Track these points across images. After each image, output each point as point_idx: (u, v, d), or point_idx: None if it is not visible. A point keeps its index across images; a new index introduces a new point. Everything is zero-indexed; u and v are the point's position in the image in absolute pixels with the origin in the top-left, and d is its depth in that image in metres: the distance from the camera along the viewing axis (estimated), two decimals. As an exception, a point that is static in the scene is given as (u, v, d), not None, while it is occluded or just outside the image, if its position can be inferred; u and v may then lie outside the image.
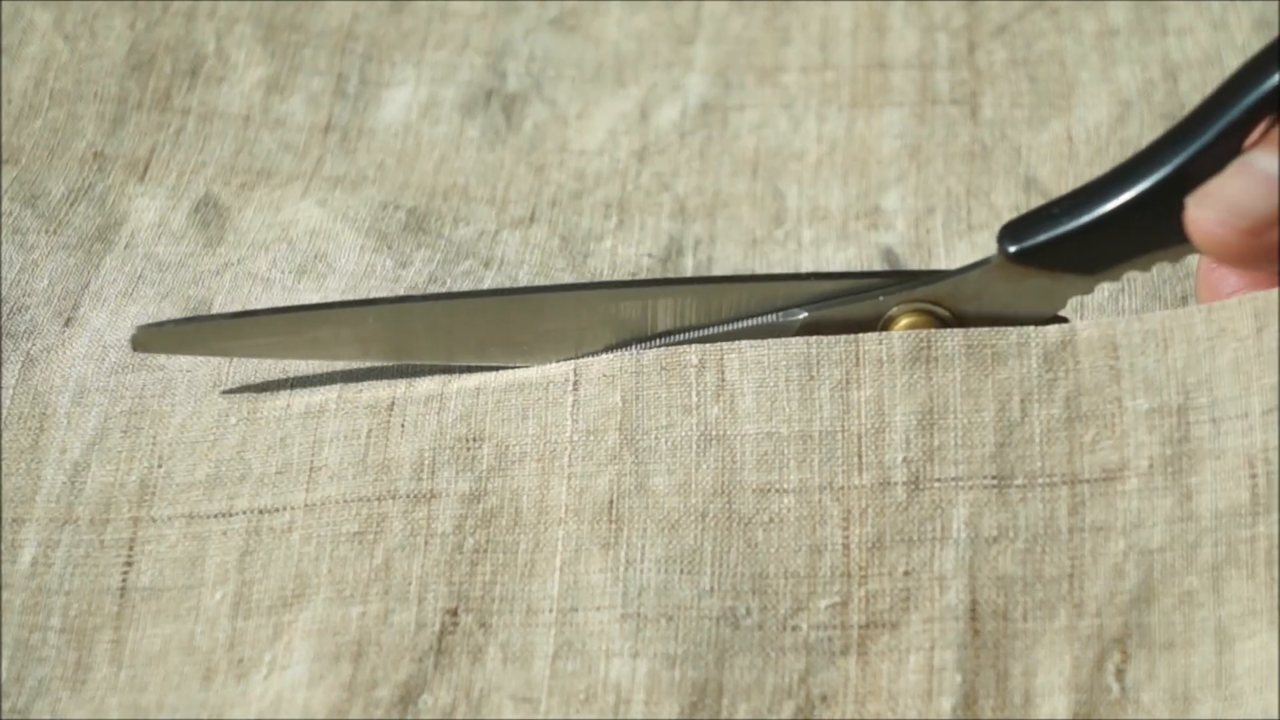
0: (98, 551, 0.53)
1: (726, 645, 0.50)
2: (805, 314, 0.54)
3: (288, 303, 0.60)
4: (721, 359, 0.53)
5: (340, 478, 0.54)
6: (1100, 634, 0.49)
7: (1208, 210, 0.49)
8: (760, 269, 0.64)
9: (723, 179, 0.67)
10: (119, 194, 0.65)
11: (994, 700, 0.49)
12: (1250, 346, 0.50)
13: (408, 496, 0.53)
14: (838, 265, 0.64)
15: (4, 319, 0.59)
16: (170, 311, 0.60)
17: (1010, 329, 0.52)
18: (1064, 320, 0.54)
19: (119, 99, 0.69)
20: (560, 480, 0.53)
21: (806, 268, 0.64)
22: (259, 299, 0.61)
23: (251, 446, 0.55)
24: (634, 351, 0.54)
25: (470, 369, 0.55)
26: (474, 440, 0.54)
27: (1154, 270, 0.60)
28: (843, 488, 0.51)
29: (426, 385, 0.55)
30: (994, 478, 0.51)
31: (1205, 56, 0.69)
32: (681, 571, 0.51)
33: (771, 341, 0.53)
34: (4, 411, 0.57)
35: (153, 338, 0.55)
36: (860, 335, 0.53)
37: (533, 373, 0.55)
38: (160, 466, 0.55)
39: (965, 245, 0.63)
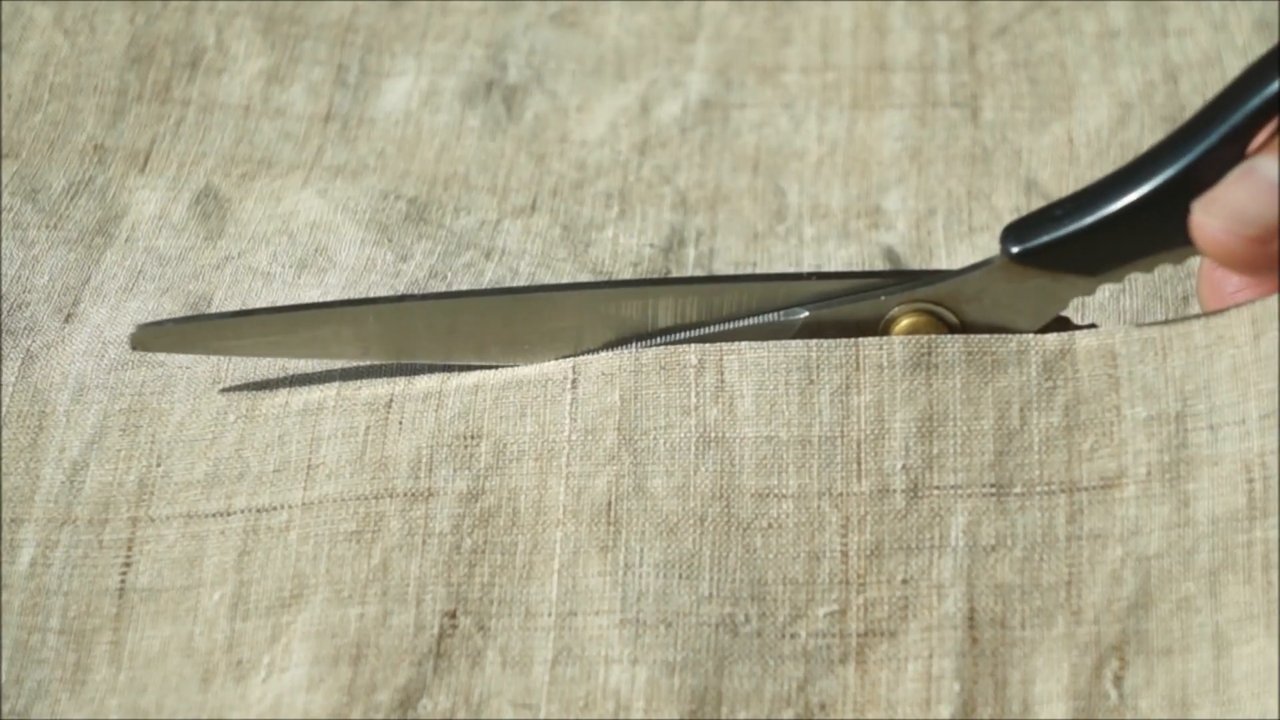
0: (96, 552, 0.53)
1: (726, 653, 0.50)
2: (806, 313, 0.54)
3: (288, 298, 0.60)
4: (721, 360, 0.53)
5: (338, 476, 0.54)
6: (1098, 641, 0.49)
7: (1214, 217, 0.49)
8: (762, 263, 0.64)
9: (724, 174, 0.67)
10: (119, 186, 0.65)
11: (992, 708, 0.49)
12: (1248, 353, 0.50)
13: (405, 495, 0.53)
14: (839, 262, 0.64)
15: (4, 315, 0.59)
16: (170, 307, 0.60)
17: (1010, 336, 0.52)
18: (1065, 320, 0.54)
19: (119, 91, 0.68)
20: (558, 480, 0.52)
21: (808, 263, 0.64)
22: (259, 294, 0.61)
23: (250, 444, 0.55)
24: (633, 350, 0.54)
25: (470, 367, 0.55)
26: (472, 437, 0.54)
27: (1155, 270, 0.60)
28: (841, 494, 0.51)
29: (425, 382, 0.55)
30: (993, 486, 0.51)
31: (1206, 58, 0.68)
32: (680, 576, 0.51)
33: (771, 344, 0.53)
34: (3, 409, 0.57)
35: (152, 337, 0.55)
36: (860, 340, 0.53)
37: (531, 370, 0.54)
38: (159, 465, 0.55)
39: (966, 247, 0.63)
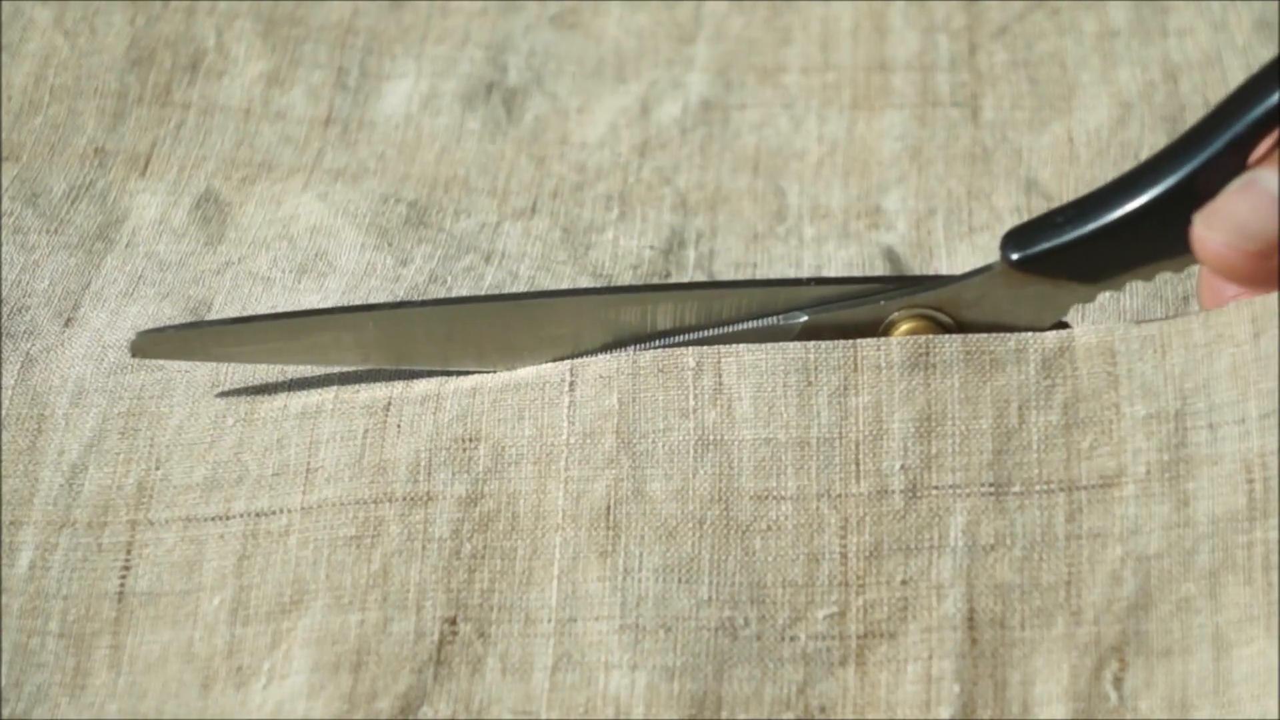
0: (95, 555, 0.53)
1: (725, 656, 0.50)
2: (805, 317, 0.54)
3: (288, 304, 0.60)
4: (719, 362, 0.53)
5: (337, 479, 0.54)
6: (1098, 642, 0.49)
7: (1216, 231, 0.49)
8: (762, 264, 0.64)
9: (724, 175, 0.67)
10: (120, 190, 0.65)
11: (992, 710, 0.49)
12: (1248, 351, 0.50)
13: (404, 499, 0.53)
14: (839, 262, 0.63)
15: (4, 319, 0.59)
16: (170, 312, 0.60)
17: (1009, 335, 0.52)
18: (1064, 325, 0.53)
19: (119, 94, 0.68)
20: (557, 484, 0.52)
21: (808, 264, 0.64)
22: (259, 299, 0.61)
23: (249, 448, 0.55)
24: (630, 352, 0.54)
25: (470, 373, 0.55)
26: (470, 441, 0.54)
27: (1156, 277, 0.60)
28: (840, 495, 0.51)
29: (424, 386, 0.55)
30: (991, 485, 0.51)
31: (1206, 58, 0.68)
32: (680, 580, 0.51)
33: (769, 346, 0.53)
34: (2, 412, 0.57)
35: (152, 344, 0.55)
36: (858, 341, 0.53)
37: (529, 373, 0.54)
38: (158, 469, 0.55)
39: (966, 247, 0.63)
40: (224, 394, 0.57)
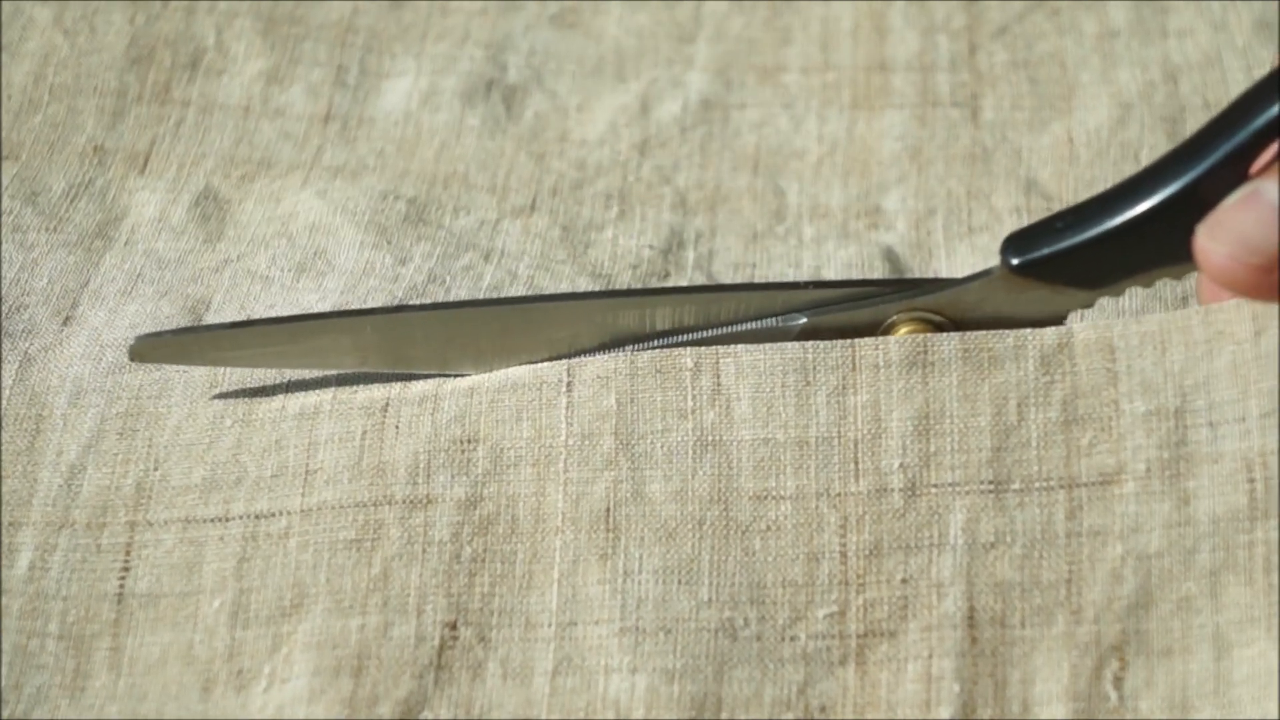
0: (94, 556, 0.53)
1: (725, 657, 0.50)
2: (805, 319, 0.54)
3: (286, 303, 0.60)
4: (717, 363, 0.53)
5: (336, 482, 0.53)
6: (1098, 641, 0.49)
7: (1219, 243, 0.48)
8: (761, 264, 0.64)
9: (724, 174, 0.67)
10: (119, 188, 0.65)
11: (992, 709, 0.49)
12: (1248, 350, 0.50)
13: (404, 502, 0.53)
14: (839, 262, 0.63)
15: (3, 318, 0.59)
16: (169, 311, 0.60)
17: (1007, 332, 0.52)
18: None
19: (119, 92, 0.68)
20: (556, 486, 0.52)
21: (807, 264, 0.63)
22: (258, 298, 0.61)
23: (247, 449, 0.55)
24: (628, 353, 0.54)
25: (467, 374, 0.55)
26: (469, 442, 0.53)
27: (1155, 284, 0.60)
28: (839, 494, 0.51)
29: (421, 386, 0.55)
30: (991, 483, 0.51)
31: (1205, 58, 0.68)
32: (680, 582, 0.51)
33: (768, 346, 0.53)
34: (1, 412, 0.56)
35: (151, 348, 0.55)
36: (856, 340, 0.53)
37: (525, 372, 0.54)
38: (156, 470, 0.55)
39: (965, 247, 0.63)
40: (222, 395, 0.56)
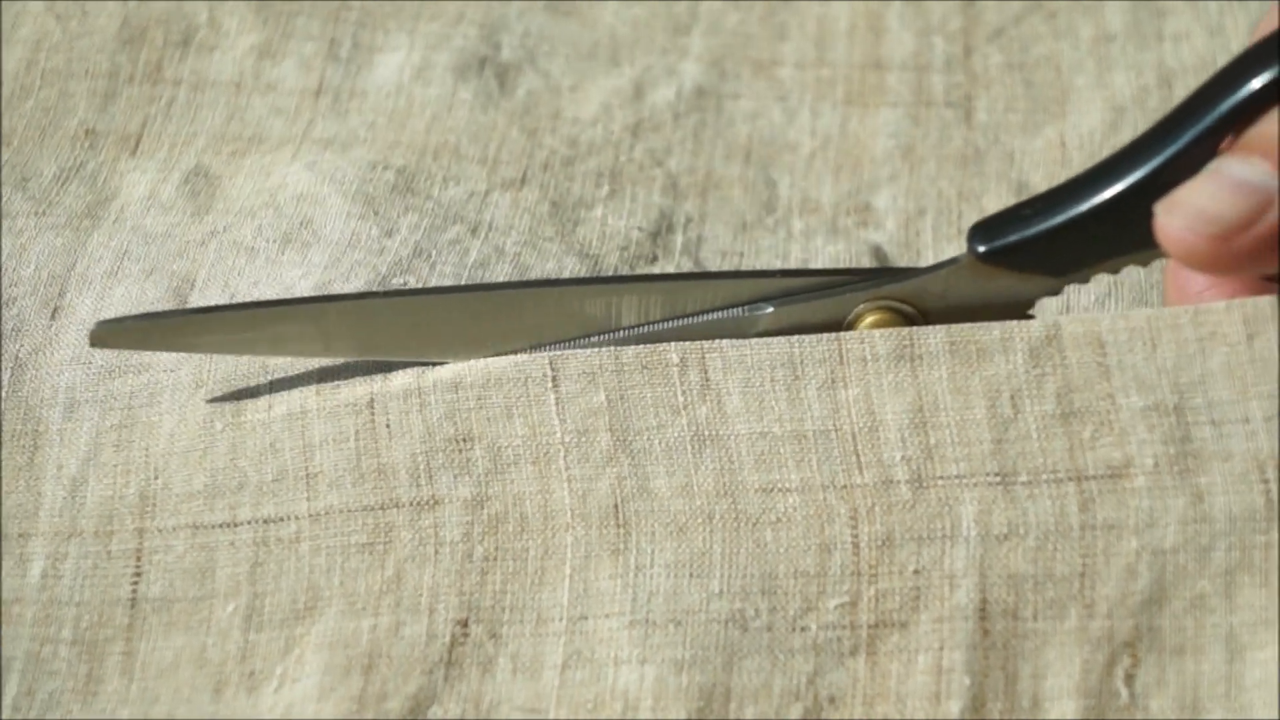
0: (105, 562, 0.53)
1: (735, 648, 0.50)
2: (771, 309, 0.54)
3: (270, 277, 0.60)
4: (703, 358, 0.53)
5: (339, 485, 0.53)
6: (1111, 636, 0.49)
7: (1176, 217, 0.48)
8: (749, 254, 0.64)
9: (715, 161, 0.67)
10: (110, 170, 0.65)
11: (1002, 704, 0.49)
12: (1242, 352, 0.50)
13: (411, 504, 0.53)
14: (826, 257, 0.63)
15: (-2, 315, 0.59)
16: (154, 292, 0.59)
17: (993, 325, 0.52)
18: (1030, 318, 0.53)
19: (110, 74, 0.68)
20: (560, 484, 0.52)
21: (795, 257, 0.63)
22: (242, 271, 0.60)
23: (243, 453, 0.55)
24: (611, 349, 0.54)
25: (437, 362, 0.55)
26: (464, 441, 0.53)
27: (1141, 274, 0.60)
28: (846, 486, 0.51)
29: (401, 380, 0.55)
30: (997, 474, 0.51)
31: (1201, 62, 0.68)
32: (691, 575, 0.51)
33: (753, 341, 0.53)
34: (-1, 427, 0.56)
35: (110, 334, 0.55)
36: (842, 334, 0.53)
37: (507, 365, 0.54)
38: (157, 478, 0.55)
39: (954, 248, 0.63)
40: (209, 399, 0.56)
